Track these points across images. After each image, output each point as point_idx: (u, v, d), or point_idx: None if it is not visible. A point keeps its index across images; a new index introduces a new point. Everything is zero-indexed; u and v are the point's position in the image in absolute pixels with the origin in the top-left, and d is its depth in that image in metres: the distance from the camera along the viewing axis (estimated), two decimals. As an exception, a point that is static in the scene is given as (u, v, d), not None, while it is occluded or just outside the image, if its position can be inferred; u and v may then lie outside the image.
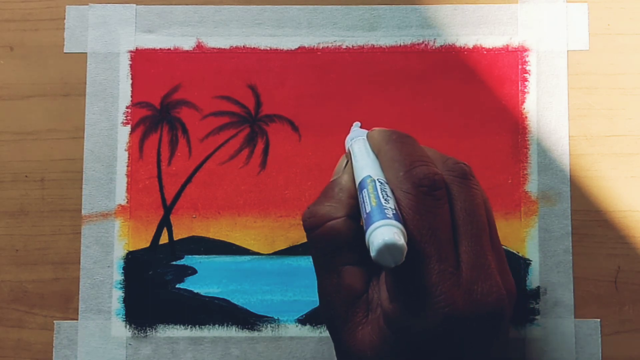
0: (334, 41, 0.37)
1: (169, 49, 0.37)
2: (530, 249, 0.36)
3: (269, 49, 0.37)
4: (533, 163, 0.36)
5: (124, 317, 0.35)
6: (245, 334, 0.35)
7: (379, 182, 0.27)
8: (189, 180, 0.36)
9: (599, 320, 0.35)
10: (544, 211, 0.36)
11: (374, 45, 0.37)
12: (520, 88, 0.36)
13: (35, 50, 0.37)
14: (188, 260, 0.36)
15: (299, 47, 0.37)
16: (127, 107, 0.37)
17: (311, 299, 0.36)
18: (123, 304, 0.36)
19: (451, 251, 0.26)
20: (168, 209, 0.36)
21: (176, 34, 0.37)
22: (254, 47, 0.37)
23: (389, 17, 0.37)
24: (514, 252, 0.36)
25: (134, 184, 0.36)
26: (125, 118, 0.37)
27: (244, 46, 0.37)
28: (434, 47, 0.37)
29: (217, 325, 0.35)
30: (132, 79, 0.37)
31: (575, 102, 0.36)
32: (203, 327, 0.35)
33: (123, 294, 0.36)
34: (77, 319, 0.36)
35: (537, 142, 0.36)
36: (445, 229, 0.26)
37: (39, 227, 0.36)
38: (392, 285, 0.26)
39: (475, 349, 0.26)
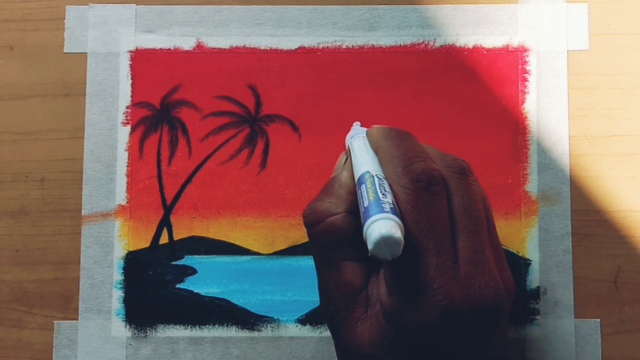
0: (334, 41, 0.37)
1: (169, 49, 0.37)
2: (530, 249, 0.36)
3: (269, 49, 0.37)
4: (533, 163, 0.36)
5: (124, 317, 0.36)
6: (245, 334, 0.35)
7: (378, 177, 0.27)
8: (189, 180, 0.36)
9: (599, 320, 0.35)
10: (544, 211, 0.36)
11: (374, 45, 0.37)
12: (520, 88, 0.36)
13: (35, 50, 0.37)
14: (188, 260, 0.36)
15: (299, 47, 0.37)
16: (127, 107, 0.37)
17: (311, 299, 0.36)
18: (123, 304, 0.36)
19: (449, 245, 0.26)
20: (168, 209, 0.36)
21: (176, 34, 0.37)
22: (254, 47, 0.37)
23: (389, 17, 0.37)
24: (514, 252, 0.36)
25: (134, 184, 0.36)
26: (125, 118, 0.37)
27: (244, 46, 0.37)
28: (434, 47, 0.37)
29: (217, 325, 0.35)
30: (132, 79, 0.37)
31: (575, 102, 0.36)
32: (203, 327, 0.35)
33: (123, 294, 0.36)
34: (77, 319, 0.36)
35: (537, 142, 0.36)
36: (443, 223, 0.26)
37: (39, 227, 0.36)
38: (390, 279, 0.26)
39: (473, 344, 0.26)
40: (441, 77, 0.37)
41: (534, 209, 0.36)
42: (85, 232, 0.36)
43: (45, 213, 0.36)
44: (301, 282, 0.36)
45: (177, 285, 0.36)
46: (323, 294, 0.29)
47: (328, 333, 0.35)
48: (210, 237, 0.36)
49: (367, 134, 0.31)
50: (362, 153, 0.29)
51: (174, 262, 0.36)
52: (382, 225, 0.24)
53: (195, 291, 0.36)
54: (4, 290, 0.36)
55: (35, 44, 0.37)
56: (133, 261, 0.36)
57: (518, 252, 0.36)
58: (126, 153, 0.36)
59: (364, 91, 0.37)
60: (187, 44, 0.37)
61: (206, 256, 0.36)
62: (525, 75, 0.37)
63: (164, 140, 0.37)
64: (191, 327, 0.35)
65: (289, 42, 0.37)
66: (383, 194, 0.26)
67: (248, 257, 0.36)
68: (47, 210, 0.36)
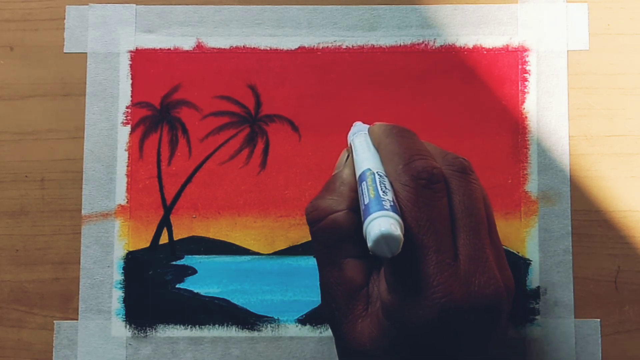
0: (334, 41, 0.37)
1: (169, 49, 0.37)
2: (530, 249, 0.36)
3: (269, 49, 0.37)
4: (533, 163, 0.36)
5: (124, 317, 0.35)
6: (245, 334, 0.35)
7: (378, 174, 0.27)
8: (189, 180, 0.36)
9: (599, 320, 0.35)
10: (544, 211, 0.36)
11: (374, 45, 0.37)
12: (520, 88, 0.36)
13: (35, 50, 0.37)
14: (188, 260, 0.36)
15: (299, 47, 0.37)
16: (127, 107, 0.37)
17: (311, 299, 0.36)
18: (123, 304, 0.36)
19: (449, 243, 0.26)
20: (168, 209, 0.36)
21: (176, 34, 0.37)
22: (254, 47, 0.37)
23: (389, 17, 0.37)
24: (514, 252, 0.36)
25: (134, 184, 0.36)
26: (125, 118, 0.37)
27: (244, 46, 0.37)
28: (434, 47, 0.37)
29: (217, 325, 0.35)
30: (132, 79, 0.37)
31: (575, 102, 0.36)
32: (203, 327, 0.35)
33: (123, 294, 0.36)
34: (77, 319, 0.36)
35: (537, 142, 0.36)
36: (443, 221, 0.26)
37: (39, 227, 0.36)
38: (391, 276, 0.26)
39: (472, 342, 0.26)
40: (441, 77, 0.37)
41: (534, 209, 0.36)
42: (85, 232, 0.36)
43: (45, 213, 0.36)
44: (301, 282, 0.36)
45: (177, 285, 0.36)
46: (324, 291, 0.29)
47: (328, 333, 0.35)
48: (210, 237, 0.36)
49: (368, 131, 0.31)
50: (363, 150, 0.29)
51: (174, 262, 0.36)
52: (381, 223, 0.24)
53: (195, 291, 0.36)
54: (4, 290, 0.36)
55: (35, 44, 0.37)
56: (133, 261, 0.36)
57: (518, 252, 0.36)
58: (126, 153, 0.36)
59: (364, 91, 0.37)
60: (187, 44, 0.37)
61: (206, 256, 0.36)
62: (525, 75, 0.37)
63: (164, 140, 0.37)
64: (191, 327, 0.35)
65: (289, 42, 0.37)
66: (383, 192, 0.26)
67: (248, 257, 0.36)
68: (47, 210, 0.36)
